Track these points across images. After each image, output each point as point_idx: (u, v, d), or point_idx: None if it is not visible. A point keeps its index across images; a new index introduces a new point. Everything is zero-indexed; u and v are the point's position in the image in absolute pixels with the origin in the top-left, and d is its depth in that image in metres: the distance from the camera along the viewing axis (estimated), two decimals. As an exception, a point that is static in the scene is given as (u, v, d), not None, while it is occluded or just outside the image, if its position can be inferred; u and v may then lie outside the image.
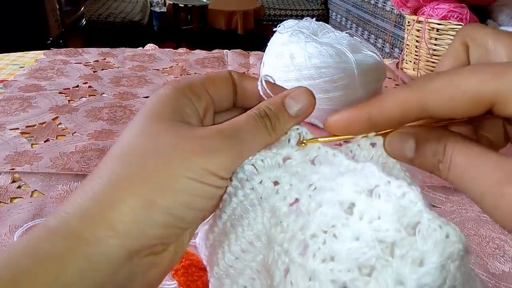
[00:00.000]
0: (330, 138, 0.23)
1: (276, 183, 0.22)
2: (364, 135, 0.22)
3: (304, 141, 0.23)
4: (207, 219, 0.25)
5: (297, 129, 0.24)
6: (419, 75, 0.87)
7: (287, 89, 0.24)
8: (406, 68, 0.95)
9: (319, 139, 0.23)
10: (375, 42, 2.80)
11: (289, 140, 0.23)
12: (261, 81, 0.24)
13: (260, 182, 0.22)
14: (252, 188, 0.22)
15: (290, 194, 0.22)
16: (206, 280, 0.26)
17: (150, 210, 0.19)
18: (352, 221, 0.20)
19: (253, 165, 0.22)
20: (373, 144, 0.23)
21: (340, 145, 0.24)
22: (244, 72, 0.25)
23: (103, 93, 0.76)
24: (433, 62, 0.85)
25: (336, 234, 0.20)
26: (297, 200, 0.22)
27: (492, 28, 0.21)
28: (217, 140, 0.21)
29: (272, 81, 0.25)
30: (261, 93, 0.24)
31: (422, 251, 0.18)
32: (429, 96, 0.19)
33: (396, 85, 0.92)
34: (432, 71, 0.86)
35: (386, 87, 0.86)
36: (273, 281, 0.21)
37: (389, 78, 0.93)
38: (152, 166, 0.19)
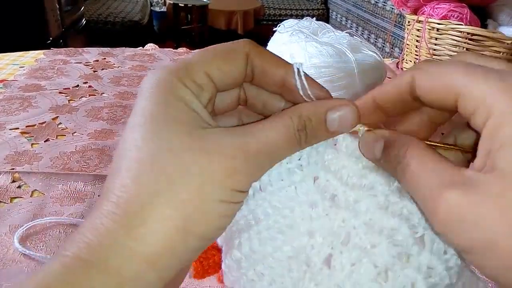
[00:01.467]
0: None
1: (316, 177, 0.23)
2: (357, 127, 0.23)
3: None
4: None
5: None
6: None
7: (321, 86, 0.22)
8: (406, 68, 0.95)
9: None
10: (375, 41, 2.80)
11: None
12: (298, 74, 0.22)
13: (302, 180, 0.23)
14: (293, 185, 0.23)
15: (329, 189, 0.23)
16: (218, 259, 0.26)
17: (187, 241, 0.18)
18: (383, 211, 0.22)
19: (300, 164, 0.24)
20: None
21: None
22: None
23: (103, 93, 0.76)
24: (433, 62, 0.85)
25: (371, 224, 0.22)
26: (334, 195, 0.23)
27: (477, 54, 0.22)
28: (246, 160, 0.19)
29: (303, 72, 0.22)
30: (300, 91, 0.22)
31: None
32: (418, 73, 0.20)
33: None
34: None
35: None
36: (313, 268, 0.22)
37: (389, 78, 0.93)
38: (184, 192, 0.18)
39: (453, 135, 0.23)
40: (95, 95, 0.75)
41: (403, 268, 0.20)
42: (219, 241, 0.26)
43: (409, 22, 0.91)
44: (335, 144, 0.24)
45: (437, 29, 0.82)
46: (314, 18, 0.78)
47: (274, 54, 0.22)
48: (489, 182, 0.17)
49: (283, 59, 0.22)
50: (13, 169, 0.53)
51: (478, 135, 0.18)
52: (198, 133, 0.19)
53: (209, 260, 0.26)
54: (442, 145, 0.22)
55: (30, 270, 0.39)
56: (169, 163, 0.18)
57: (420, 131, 0.23)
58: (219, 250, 0.26)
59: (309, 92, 0.22)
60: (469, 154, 0.23)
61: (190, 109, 0.20)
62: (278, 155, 0.21)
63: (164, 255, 0.18)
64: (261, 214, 0.24)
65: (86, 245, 0.17)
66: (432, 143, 0.22)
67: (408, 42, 0.93)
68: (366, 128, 0.23)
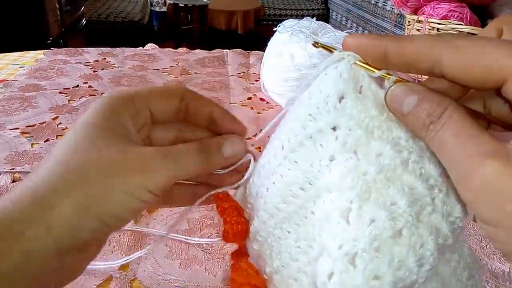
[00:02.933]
0: (365, 66, 0.22)
1: (334, 128, 0.22)
2: (385, 72, 0.22)
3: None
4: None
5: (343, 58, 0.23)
6: (419, 75, 0.87)
7: (236, 122, 0.28)
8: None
9: (357, 62, 0.22)
10: (375, 42, 2.79)
11: (340, 75, 0.22)
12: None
13: (319, 131, 0.23)
14: (310, 137, 0.23)
15: (350, 139, 0.22)
16: (247, 226, 0.27)
17: (84, 216, 0.21)
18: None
19: (310, 114, 0.23)
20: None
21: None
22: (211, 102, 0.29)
23: (103, 93, 0.76)
24: (433, 62, 0.85)
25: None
26: (356, 145, 0.22)
27: None
28: (157, 161, 0.23)
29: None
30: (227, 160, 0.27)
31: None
32: (448, 50, 0.19)
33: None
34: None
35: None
36: (331, 223, 0.22)
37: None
38: (93, 176, 0.21)
39: (481, 100, 0.22)
40: (95, 95, 0.75)
41: (417, 228, 0.20)
42: (247, 212, 0.28)
43: (409, 22, 0.91)
44: (360, 91, 0.22)
45: (437, 29, 0.82)
46: (314, 18, 0.78)
47: (203, 97, 0.28)
48: None
49: (210, 100, 0.28)
50: (13, 169, 0.53)
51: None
52: (121, 140, 0.23)
53: (238, 225, 0.27)
54: (475, 112, 0.21)
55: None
56: (88, 154, 0.22)
57: (451, 91, 0.21)
58: (247, 220, 0.27)
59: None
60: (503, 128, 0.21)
61: (122, 124, 0.24)
62: (185, 164, 0.24)
63: (61, 226, 0.20)
64: (282, 171, 0.24)
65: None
66: (472, 110, 0.20)
67: (408, 42, 0.93)
68: (396, 77, 0.21)
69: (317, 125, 0.23)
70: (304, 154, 0.23)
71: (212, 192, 0.28)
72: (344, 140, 0.22)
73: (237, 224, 0.27)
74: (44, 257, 0.20)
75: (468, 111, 0.19)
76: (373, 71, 0.22)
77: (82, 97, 0.74)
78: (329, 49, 0.24)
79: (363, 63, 0.22)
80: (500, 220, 0.16)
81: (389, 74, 0.22)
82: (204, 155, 0.25)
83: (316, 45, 0.24)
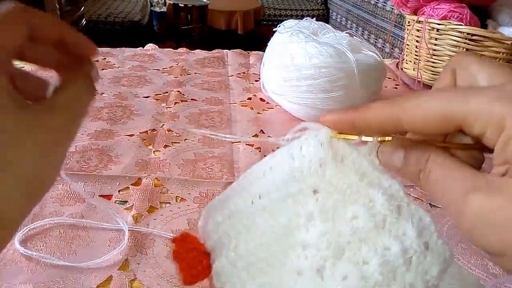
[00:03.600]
0: (344, 136, 0.24)
1: (315, 191, 0.24)
2: (367, 139, 0.24)
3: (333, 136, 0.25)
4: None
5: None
6: (419, 75, 0.87)
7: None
8: (406, 68, 0.95)
9: (337, 135, 0.24)
10: (375, 42, 2.80)
11: (321, 144, 0.24)
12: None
13: (300, 191, 0.24)
14: (295, 199, 0.24)
15: (329, 202, 0.24)
16: (206, 264, 0.27)
17: None
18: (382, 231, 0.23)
19: (294, 176, 0.24)
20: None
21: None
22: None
23: (103, 93, 0.76)
24: (433, 62, 0.85)
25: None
26: (334, 209, 0.24)
27: (477, 56, 0.22)
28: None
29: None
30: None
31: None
32: (403, 113, 0.20)
33: (396, 85, 0.92)
34: (432, 71, 0.86)
35: (386, 87, 0.86)
36: (304, 278, 0.23)
37: (389, 78, 0.93)
38: None
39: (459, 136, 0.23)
40: (94, 95, 0.75)
41: (389, 285, 0.22)
42: (209, 246, 0.28)
43: (409, 22, 0.91)
44: (342, 160, 0.24)
45: (437, 30, 0.82)
46: (314, 19, 0.78)
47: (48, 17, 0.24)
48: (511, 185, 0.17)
49: (58, 21, 0.24)
50: (13, 169, 0.53)
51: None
52: None
53: (197, 267, 0.27)
54: (460, 145, 0.22)
55: (30, 271, 0.39)
56: None
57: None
58: (207, 254, 0.28)
59: None
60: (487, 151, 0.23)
61: None
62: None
63: None
64: (260, 219, 0.25)
65: None
66: (447, 145, 0.22)
67: (408, 43, 0.93)
68: (379, 139, 0.23)
69: (299, 186, 0.24)
70: (284, 210, 0.24)
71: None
72: (323, 203, 0.24)
73: (194, 267, 0.27)
74: None
75: (446, 151, 0.21)
76: (353, 139, 0.24)
77: (82, 97, 0.74)
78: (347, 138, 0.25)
79: (342, 133, 0.24)
80: (501, 250, 0.17)
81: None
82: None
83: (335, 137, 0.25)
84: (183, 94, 0.79)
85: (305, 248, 0.23)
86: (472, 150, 0.22)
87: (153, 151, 0.60)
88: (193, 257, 0.27)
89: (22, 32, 0.22)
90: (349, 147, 0.24)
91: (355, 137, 0.24)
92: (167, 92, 0.79)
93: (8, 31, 0.22)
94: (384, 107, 0.21)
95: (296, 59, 0.66)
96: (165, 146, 0.61)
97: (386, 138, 0.23)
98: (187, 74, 0.88)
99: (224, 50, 1.04)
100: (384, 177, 0.24)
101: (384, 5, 2.67)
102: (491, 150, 0.20)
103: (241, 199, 0.27)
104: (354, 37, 0.76)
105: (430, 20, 0.82)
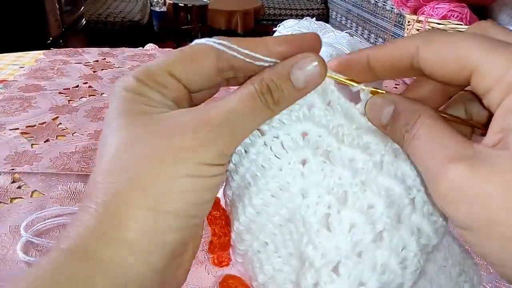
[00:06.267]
0: (338, 77, 0.22)
1: (305, 134, 0.22)
2: (364, 84, 0.22)
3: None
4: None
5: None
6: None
7: (298, 39, 0.21)
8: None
9: (330, 75, 0.22)
10: (375, 41, 2.79)
11: None
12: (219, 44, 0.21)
13: (287, 134, 0.22)
14: (277, 137, 0.22)
15: (322, 145, 0.22)
16: (229, 238, 0.26)
17: (157, 219, 0.18)
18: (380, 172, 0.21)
19: (279, 119, 0.22)
20: (363, 114, 0.22)
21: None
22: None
23: (103, 93, 0.76)
24: (433, 62, 0.85)
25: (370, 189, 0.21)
26: (328, 151, 0.22)
27: (500, 27, 0.21)
28: (209, 132, 0.19)
29: (228, 45, 0.21)
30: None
31: None
32: (424, 44, 0.19)
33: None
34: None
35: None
36: (310, 231, 0.21)
37: (389, 77, 0.93)
38: (147, 173, 0.18)
39: (462, 105, 0.22)
40: (95, 96, 0.75)
41: (397, 229, 0.20)
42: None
43: (409, 22, 0.91)
44: (328, 104, 0.22)
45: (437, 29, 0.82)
46: (314, 18, 0.78)
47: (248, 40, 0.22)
48: (499, 159, 0.16)
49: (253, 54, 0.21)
50: (13, 169, 0.53)
51: (490, 113, 0.18)
52: (156, 118, 0.20)
53: (228, 236, 0.25)
54: (454, 118, 0.21)
55: (30, 271, 0.39)
56: (131, 151, 0.19)
57: (431, 99, 0.22)
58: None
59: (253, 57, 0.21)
60: (480, 130, 0.21)
61: (145, 103, 0.20)
62: (245, 122, 0.20)
63: (138, 237, 0.18)
64: (250, 178, 0.22)
65: (67, 238, 0.18)
66: (445, 115, 0.21)
67: (408, 42, 0.93)
68: (370, 89, 0.22)
69: (286, 128, 0.22)
70: (270, 159, 0.22)
71: None
72: (315, 145, 0.21)
73: (224, 236, 0.25)
74: (137, 280, 0.18)
75: (443, 117, 0.20)
76: (351, 84, 0.22)
77: (82, 97, 0.74)
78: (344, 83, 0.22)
79: (334, 77, 0.22)
80: (471, 224, 0.16)
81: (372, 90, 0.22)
82: (268, 97, 0.20)
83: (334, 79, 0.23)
84: (183, 94, 0.79)
85: (305, 196, 0.21)
86: (462, 127, 0.21)
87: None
88: (224, 225, 0.25)
89: (208, 64, 0.21)
90: (338, 93, 0.22)
91: (348, 82, 0.22)
92: (167, 92, 0.79)
93: (187, 64, 0.21)
94: (405, 39, 0.20)
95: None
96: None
97: (379, 91, 0.21)
98: (187, 74, 0.88)
99: (224, 50, 1.03)
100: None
101: (384, 5, 2.67)
102: (482, 130, 0.19)
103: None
104: (354, 36, 0.76)
105: (430, 20, 0.82)
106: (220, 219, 0.25)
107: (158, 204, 0.18)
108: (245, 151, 0.22)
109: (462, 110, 0.22)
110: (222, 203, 0.26)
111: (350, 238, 0.20)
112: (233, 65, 0.21)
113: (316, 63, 0.20)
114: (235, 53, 0.21)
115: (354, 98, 0.22)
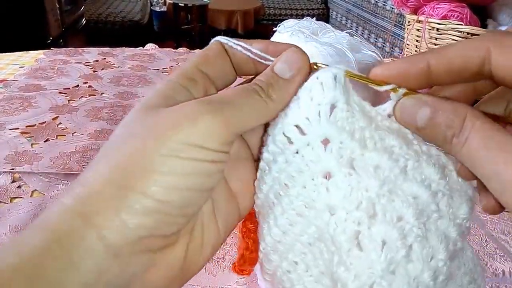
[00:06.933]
0: (363, 79, 0.21)
1: (326, 141, 0.20)
2: (393, 86, 0.20)
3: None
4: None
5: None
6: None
7: (284, 46, 0.22)
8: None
9: (350, 75, 0.20)
10: (376, 41, 2.79)
11: (335, 82, 0.20)
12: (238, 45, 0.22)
13: (308, 144, 0.20)
14: (297, 152, 0.20)
15: (346, 153, 0.20)
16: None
17: (126, 197, 0.16)
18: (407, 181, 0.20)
19: (296, 126, 0.20)
20: (389, 116, 0.21)
21: None
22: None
23: (103, 93, 0.76)
24: (433, 62, 0.85)
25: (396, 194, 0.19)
26: (352, 159, 0.20)
27: None
28: (196, 106, 0.18)
29: (233, 43, 0.22)
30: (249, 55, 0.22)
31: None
32: (497, 48, 0.18)
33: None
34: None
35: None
36: (340, 250, 0.20)
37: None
38: (125, 150, 0.17)
39: (503, 101, 0.21)
40: (95, 95, 0.75)
41: (427, 239, 0.19)
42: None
43: (409, 22, 0.91)
44: (348, 103, 0.20)
45: (437, 29, 0.82)
46: (314, 18, 0.78)
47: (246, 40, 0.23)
48: None
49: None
50: (13, 169, 0.53)
51: None
52: (162, 108, 0.19)
53: (257, 252, 0.23)
54: (503, 117, 0.20)
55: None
56: (122, 133, 0.19)
57: (459, 98, 0.20)
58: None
59: (253, 51, 0.22)
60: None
61: (171, 97, 0.20)
62: (242, 106, 0.19)
63: (100, 213, 0.16)
64: (274, 197, 0.21)
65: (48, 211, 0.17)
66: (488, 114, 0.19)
67: (408, 42, 0.93)
68: (404, 90, 0.20)
69: (306, 138, 0.20)
70: (293, 177, 0.20)
71: None
72: (338, 154, 0.19)
73: (256, 252, 0.23)
74: (95, 259, 0.16)
75: (483, 114, 0.18)
76: (373, 83, 0.20)
77: (82, 97, 0.74)
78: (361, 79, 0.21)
79: (357, 76, 0.20)
80: None
81: (395, 89, 0.20)
82: (260, 91, 0.20)
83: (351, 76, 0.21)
84: (183, 94, 0.79)
85: (333, 212, 0.19)
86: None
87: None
88: (257, 240, 0.24)
89: (226, 62, 0.22)
90: (353, 90, 0.20)
91: (376, 84, 0.20)
92: (167, 92, 0.79)
93: (211, 61, 0.22)
94: (473, 40, 0.18)
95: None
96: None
97: (410, 92, 0.19)
98: (187, 74, 0.88)
99: (224, 50, 1.03)
100: (391, 120, 0.20)
101: (384, 5, 2.67)
102: None
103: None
104: (354, 36, 0.76)
105: (430, 20, 0.82)
106: (255, 233, 0.24)
107: (128, 182, 0.17)
108: (268, 168, 0.21)
109: (501, 107, 0.21)
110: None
111: (384, 257, 0.19)
112: (235, 63, 0.22)
113: (295, 53, 0.21)
114: (249, 53, 0.22)
115: (367, 98, 0.21)
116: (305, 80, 0.21)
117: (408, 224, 0.19)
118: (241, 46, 0.22)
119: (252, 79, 0.22)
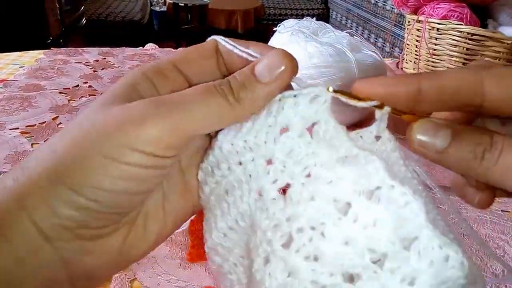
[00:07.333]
0: (339, 96, 0.19)
1: (269, 161, 0.20)
2: (377, 104, 0.19)
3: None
4: None
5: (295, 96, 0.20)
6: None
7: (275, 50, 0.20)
8: (406, 68, 0.95)
9: (328, 89, 0.20)
10: (376, 41, 2.79)
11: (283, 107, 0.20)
12: (222, 40, 0.22)
13: (252, 160, 0.20)
14: (240, 163, 0.20)
15: (282, 177, 0.20)
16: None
17: (56, 191, 0.17)
18: (344, 223, 0.18)
19: (245, 140, 0.20)
20: (377, 138, 0.20)
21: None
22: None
23: (103, 93, 0.76)
24: (433, 62, 0.85)
25: (325, 233, 0.19)
26: (288, 185, 0.20)
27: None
28: (144, 109, 0.17)
29: (227, 43, 0.22)
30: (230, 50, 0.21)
31: (415, 269, 0.17)
32: (492, 78, 0.17)
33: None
34: (432, 70, 0.86)
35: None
36: (252, 267, 0.20)
37: (389, 77, 0.93)
38: (68, 145, 0.17)
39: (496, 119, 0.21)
40: (95, 95, 0.75)
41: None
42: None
43: (409, 22, 0.91)
44: (313, 125, 0.20)
45: (437, 29, 0.82)
46: (314, 18, 0.78)
47: (241, 41, 0.22)
48: None
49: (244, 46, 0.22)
50: (13, 169, 0.53)
51: None
52: (118, 104, 0.18)
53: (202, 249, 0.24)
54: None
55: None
56: (71, 128, 0.18)
57: (457, 120, 0.21)
58: None
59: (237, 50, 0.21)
60: None
61: (132, 92, 0.19)
62: (197, 111, 0.18)
63: (35, 200, 0.17)
64: (215, 200, 0.21)
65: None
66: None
67: (408, 42, 0.93)
68: (388, 108, 0.19)
69: (251, 155, 0.20)
70: (233, 183, 0.21)
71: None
72: (275, 177, 0.20)
73: (202, 248, 0.24)
74: (29, 241, 0.17)
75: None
76: (355, 100, 0.19)
77: (82, 97, 0.74)
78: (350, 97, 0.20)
79: (338, 92, 0.20)
80: None
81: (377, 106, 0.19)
82: (227, 90, 0.19)
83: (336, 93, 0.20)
84: (183, 94, 0.79)
85: (255, 229, 0.20)
86: None
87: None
88: (202, 236, 0.24)
89: (209, 61, 0.22)
90: (330, 115, 0.20)
91: (357, 99, 0.19)
92: (167, 92, 0.79)
93: (192, 60, 0.22)
94: (465, 71, 0.18)
95: (296, 58, 0.66)
96: (165, 146, 0.61)
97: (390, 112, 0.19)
98: (187, 74, 0.88)
99: (224, 50, 1.03)
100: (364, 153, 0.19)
101: (384, 5, 2.67)
102: None
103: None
104: (354, 36, 0.76)
105: (430, 20, 0.82)
106: (200, 232, 0.24)
107: (62, 175, 0.17)
108: (211, 171, 0.21)
109: (496, 123, 0.21)
110: None
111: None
112: (230, 67, 0.22)
113: (281, 56, 0.19)
114: (240, 53, 0.21)
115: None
116: (286, 89, 0.20)
117: (322, 268, 0.18)
118: (234, 46, 0.21)
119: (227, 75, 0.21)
